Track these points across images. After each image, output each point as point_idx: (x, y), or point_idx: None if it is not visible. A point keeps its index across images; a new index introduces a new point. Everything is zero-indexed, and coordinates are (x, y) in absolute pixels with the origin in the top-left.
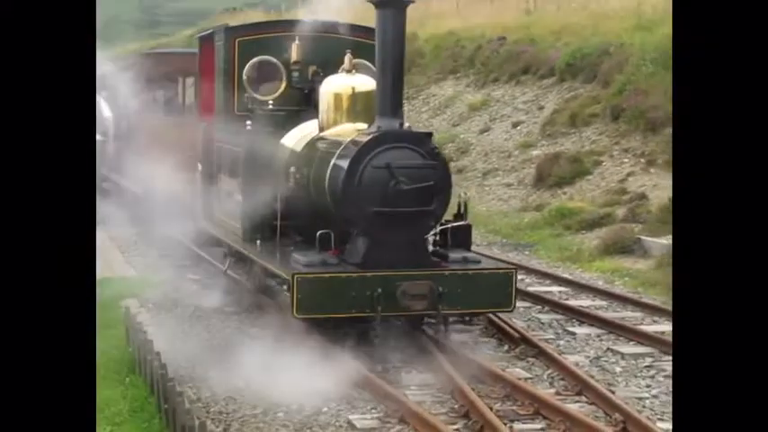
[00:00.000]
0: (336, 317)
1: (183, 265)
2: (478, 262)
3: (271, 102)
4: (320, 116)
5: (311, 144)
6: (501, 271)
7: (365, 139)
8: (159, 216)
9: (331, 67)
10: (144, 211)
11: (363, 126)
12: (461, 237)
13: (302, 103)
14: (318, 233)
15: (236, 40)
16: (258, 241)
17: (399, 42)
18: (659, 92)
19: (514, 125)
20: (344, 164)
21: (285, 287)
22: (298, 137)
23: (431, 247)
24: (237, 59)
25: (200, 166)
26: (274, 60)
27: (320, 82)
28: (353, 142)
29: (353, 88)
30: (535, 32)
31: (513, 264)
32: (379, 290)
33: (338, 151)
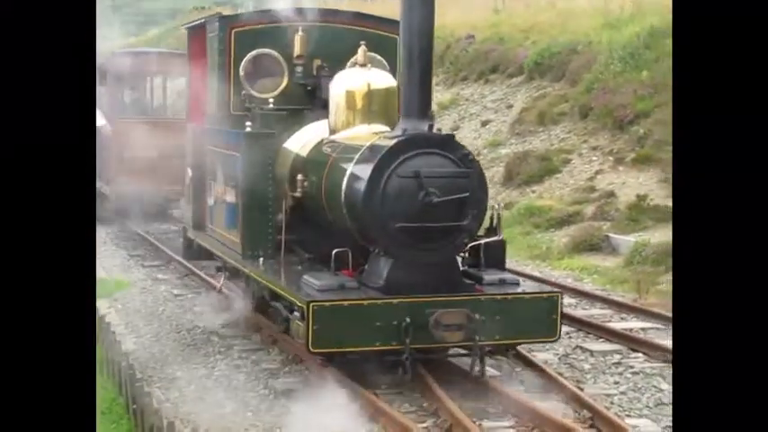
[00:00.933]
0: (358, 351)
1: (152, 266)
2: (517, 284)
3: (271, 100)
4: (330, 116)
5: (320, 148)
6: (545, 295)
7: (389, 143)
8: (129, 216)
9: (338, 61)
10: (112, 211)
11: (380, 128)
12: (494, 254)
13: (306, 102)
14: (334, 251)
15: (233, 31)
16: (261, 258)
17: (428, 32)
18: (627, 90)
19: (483, 124)
20: (365, 172)
21: (298, 314)
22: (304, 140)
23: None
24: (234, 53)
25: (189, 172)
26: (275, 53)
27: (326, 77)
28: (373, 147)
29: (369, 85)
30: (504, 31)
31: (557, 285)
32: (408, 319)
33: (356, 157)
